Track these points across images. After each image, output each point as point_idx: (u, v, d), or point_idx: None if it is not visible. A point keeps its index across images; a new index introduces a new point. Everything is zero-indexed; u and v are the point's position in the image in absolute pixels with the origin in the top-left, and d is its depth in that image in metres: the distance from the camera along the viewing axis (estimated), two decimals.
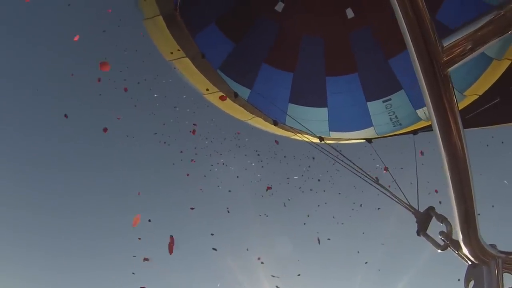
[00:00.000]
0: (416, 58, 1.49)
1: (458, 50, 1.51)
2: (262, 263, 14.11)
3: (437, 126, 1.64)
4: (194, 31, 6.18)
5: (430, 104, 1.57)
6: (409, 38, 1.46)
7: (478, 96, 6.19)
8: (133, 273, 14.39)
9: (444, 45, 1.49)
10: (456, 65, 1.52)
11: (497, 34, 1.56)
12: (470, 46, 1.53)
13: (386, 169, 6.53)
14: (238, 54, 6.59)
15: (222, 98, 6.22)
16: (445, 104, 1.55)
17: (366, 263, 15.61)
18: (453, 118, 1.60)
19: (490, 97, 6.03)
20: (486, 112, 5.98)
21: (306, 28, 6.78)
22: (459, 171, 1.72)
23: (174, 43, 5.65)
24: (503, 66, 5.91)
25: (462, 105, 6.20)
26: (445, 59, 1.48)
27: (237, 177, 15.54)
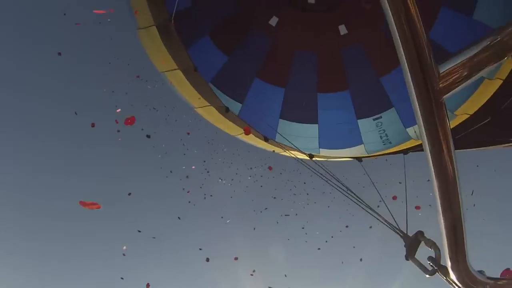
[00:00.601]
0: (412, 85, 1.47)
1: (454, 77, 1.49)
2: (252, 274, 14.05)
3: (429, 154, 1.63)
4: (188, 42, 6.16)
5: (424, 130, 1.55)
6: (406, 65, 1.44)
7: (468, 115, 6.22)
8: (122, 278, 14.32)
9: (441, 72, 1.47)
10: (452, 92, 1.50)
11: (493, 60, 1.55)
12: (466, 73, 1.51)
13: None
14: (230, 67, 6.58)
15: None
16: (439, 132, 1.54)
17: (361, 260, 15.55)
18: (446, 146, 1.59)
19: (481, 117, 6.06)
20: (476, 133, 6.01)
21: (299, 43, 6.80)
22: (449, 197, 1.71)
23: (167, 55, 5.63)
24: (495, 86, 5.94)
25: (452, 124, 6.21)
26: (441, 86, 1.46)
27: (233, 191, 15.51)
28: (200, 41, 6.44)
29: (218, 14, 6.59)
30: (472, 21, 5.85)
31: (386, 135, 6.61)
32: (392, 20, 1.39)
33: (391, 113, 6.56)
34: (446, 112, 1.53)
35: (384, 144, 6.70)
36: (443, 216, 1.77)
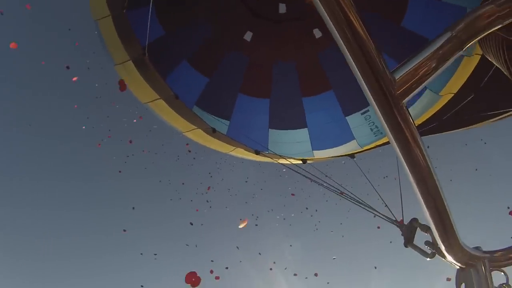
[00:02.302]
0: (370, 95, 1.52)
1: (411, 81, 1.54)
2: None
3: (401, 156, 1.67)
4: (167, 70, 6.23)
5: (391, 136, 1.60)
6: (361, 77, 1.50)
7: (453, 94, 6.28)
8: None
9: (396, 78, 1.52)
10: (411, 94, 1.55)
11: (450, 56, 1.60)
12: (422, 74, 1.56)
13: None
14: (212, 88, 6.65)
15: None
16: (406, 134, 1.58)
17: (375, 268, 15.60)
18: (414, 141, 1.63)
19: (465, 94, 6.13)
20: (461, 113, 6.06)
21: (276, 53, 6.87)
22: (427, 188, 1.76)
23: (147, 87, 5.69)
24: (474, 62, 6.03)
25: (439, 105, 6.29)
26: (398, 92, 1.51)
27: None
28: (178, 66, 6.51)
29: (193, 38, 6.66)
30: (444, 4, 5.92)
31: (376, 127, 6.65)
32: (338, 36, 1.45)
33: None
34: (409, 113, 1.58)
35: (375, 136, 6.75)
36: (425, 205, 1.83)
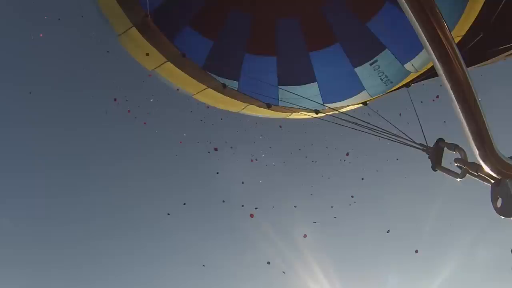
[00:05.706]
0: None
1: None
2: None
3: (432, 52, 1.62)
4: (170, 37, 6.18)
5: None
6: None
7: (461, 37, 6.20)
8: None
9: None
10: None
11: None
12: None
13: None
14: (218, 50, 6.63)
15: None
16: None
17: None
18: (437, 22, 1.58)
19: (474, 34, 6.05)
20: (473, 50, 5.99)
21: (278, 10, 6.80)
22: (462, 87, 1.70)
23: (153, 50, 5.65)
24: (480, 3, 5.94)
25: None
26: None
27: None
28: (181, 32, 6.48)
29: (193, 2, 6.60)
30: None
31: (386, 76, 6.63)
32: None
33: (385, 55, 6.57)
34: None
35: (386, 85, 6.73)
36: (461, 110, 1.75)
